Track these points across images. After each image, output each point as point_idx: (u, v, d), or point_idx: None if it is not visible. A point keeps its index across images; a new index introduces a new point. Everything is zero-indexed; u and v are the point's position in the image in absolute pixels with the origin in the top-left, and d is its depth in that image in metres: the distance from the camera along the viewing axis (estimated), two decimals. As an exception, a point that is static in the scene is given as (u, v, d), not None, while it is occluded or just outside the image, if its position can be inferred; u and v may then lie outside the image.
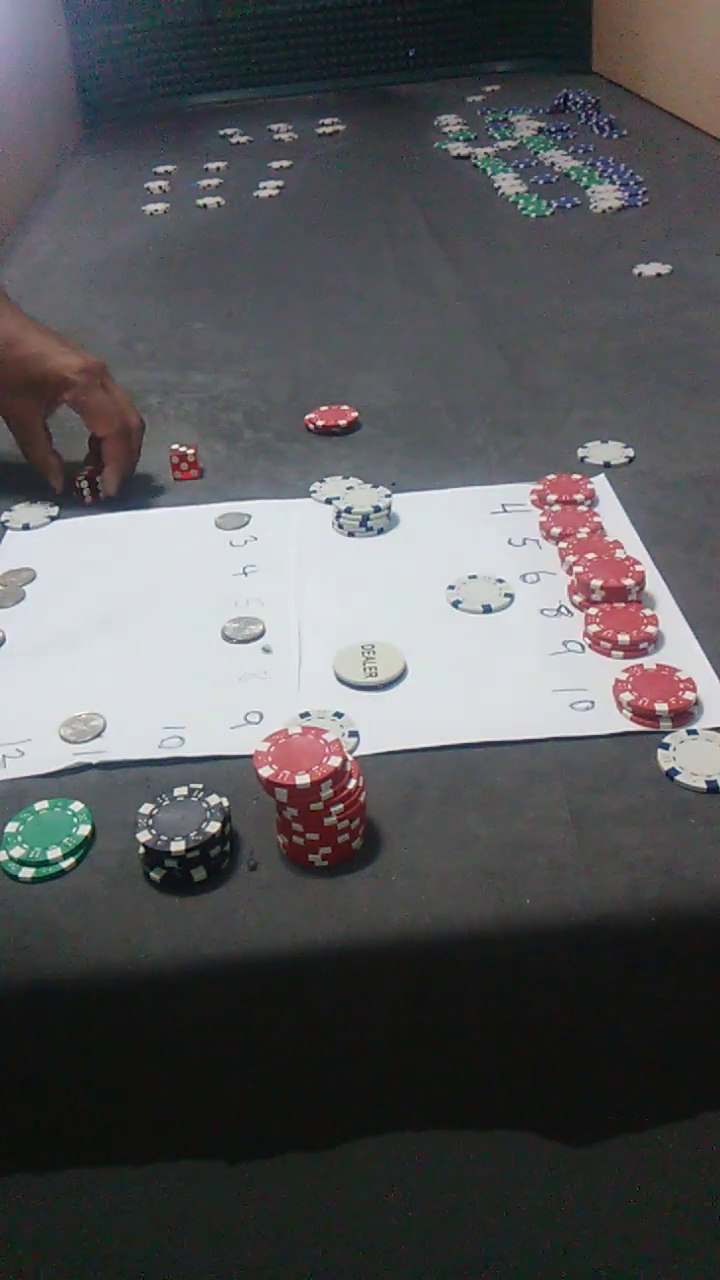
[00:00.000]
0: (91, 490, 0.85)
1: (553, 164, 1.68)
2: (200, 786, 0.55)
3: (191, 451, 0.88)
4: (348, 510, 0.80)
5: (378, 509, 0.79)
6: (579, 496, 0.79)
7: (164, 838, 0.52)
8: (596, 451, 0.87)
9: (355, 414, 0.95)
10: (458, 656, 0.66)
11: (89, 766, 0.60)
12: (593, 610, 0.67)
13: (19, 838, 0.55)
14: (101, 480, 0.85)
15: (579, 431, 0.90)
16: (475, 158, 1.74)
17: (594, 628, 0.65)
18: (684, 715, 0.60)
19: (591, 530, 0.75)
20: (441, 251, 1.37)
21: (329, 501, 0.83)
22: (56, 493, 0.86)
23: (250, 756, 0.53)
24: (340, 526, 0.80)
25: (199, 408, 1.00)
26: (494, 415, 0.95)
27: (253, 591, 0.74)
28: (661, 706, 0.59)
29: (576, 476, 0.82)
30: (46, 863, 0.53)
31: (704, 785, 0.55)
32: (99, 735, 0.62)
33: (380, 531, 0.80)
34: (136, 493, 0.87)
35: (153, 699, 0.65)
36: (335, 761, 0.51)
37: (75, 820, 0.56)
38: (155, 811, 0.54)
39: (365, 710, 0.62)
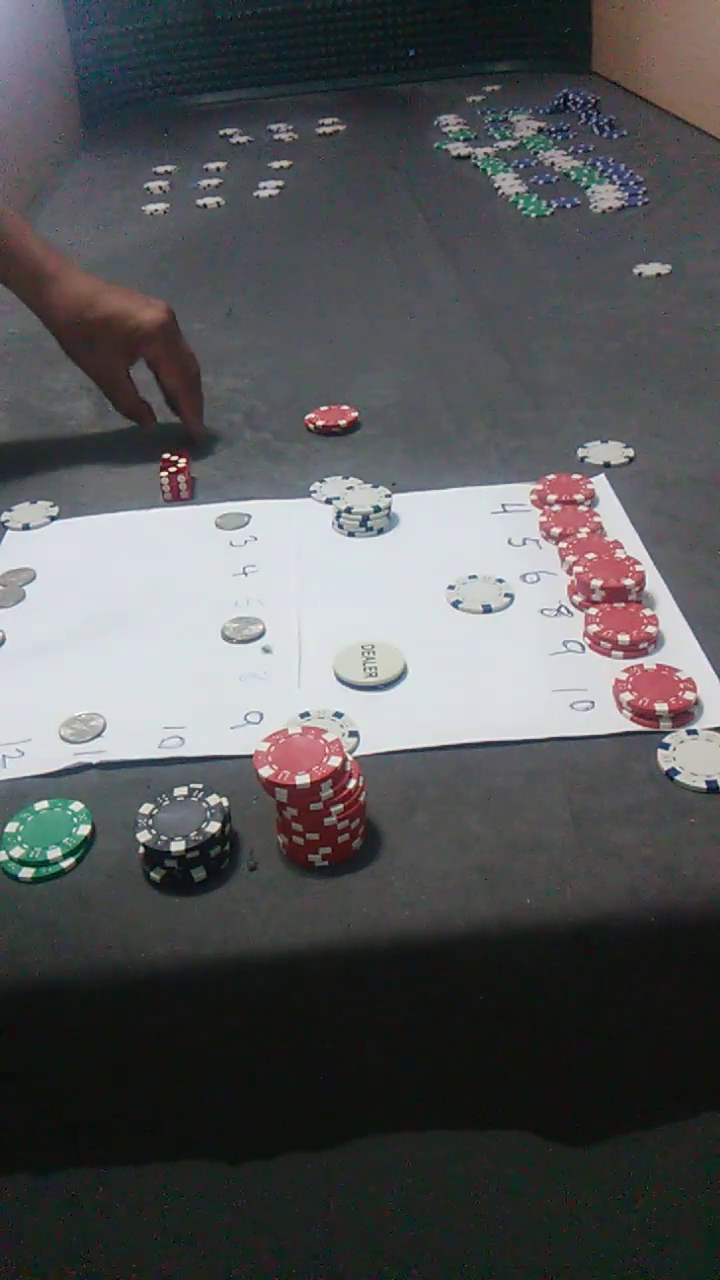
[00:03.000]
0: (173, 487, 0.85)
1: (553, 164, 1.68)
2: (200, 786, 0.55)
3: (183, 478, 0.86)
4: (348, 510, 0.80)
5: (378, 509, 0.79)
6: (579, 496, 0.79)
7: (164, 838, 0.52)
8: (596, 451, 0.87)
9: (355, 414, 0.95)
10: (458, 656, 0.66)
11: (89, 766, 0.60)
12: (593, 610, 0.67)
13: (19, 838, 0.55)
14: (187, 425, 0.92)
15: (579, 431, 0.90)
16: (475, 158, 1.74)
17: (594, 628, 0.65)
18: (684, 715, 0.60)
19: (591, 530, 0.75)
20: (441, 251, 1.37)
21: (329, 501, 0.83)
22: (149, 431, 0.93)
23: (250, 756, 0.53)
24: (340, 526, 0.80)
25: (199, 408, 1.00)
26: (494, 415, 0.95)
27: (253, 591, 0.74)
28: (661, 706, 0.59)
29: (576, 476, 0.82)
30: (46, 863, 0.53)
31: (704, 785, 0.55)
32: (99, 735, 0.62)
33: (380, 531, 0.80)
34: (136, 493, 0.87)
35: (153, 699, 0.65)
36: (335, 761, 0.51)
37: (75, 820, 0.56)
38: (155, 811, 0.54)
39: (365, 710, 0.62)
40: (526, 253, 1.35)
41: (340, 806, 0.51)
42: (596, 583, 0.68)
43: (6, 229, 0.89)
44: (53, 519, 0.85)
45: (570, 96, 2.00)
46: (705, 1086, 0.54)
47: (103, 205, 1.71)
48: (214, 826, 0.52)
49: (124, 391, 0.92)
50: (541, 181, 1.60)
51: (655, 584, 0.70)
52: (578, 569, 0.69)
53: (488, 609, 0.70)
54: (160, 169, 1.84)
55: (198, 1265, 0.61)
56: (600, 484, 0.82)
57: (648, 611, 0.67)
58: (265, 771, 0.51)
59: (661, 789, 0.56)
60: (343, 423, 0.94)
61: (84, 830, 0.55)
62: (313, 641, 0.68)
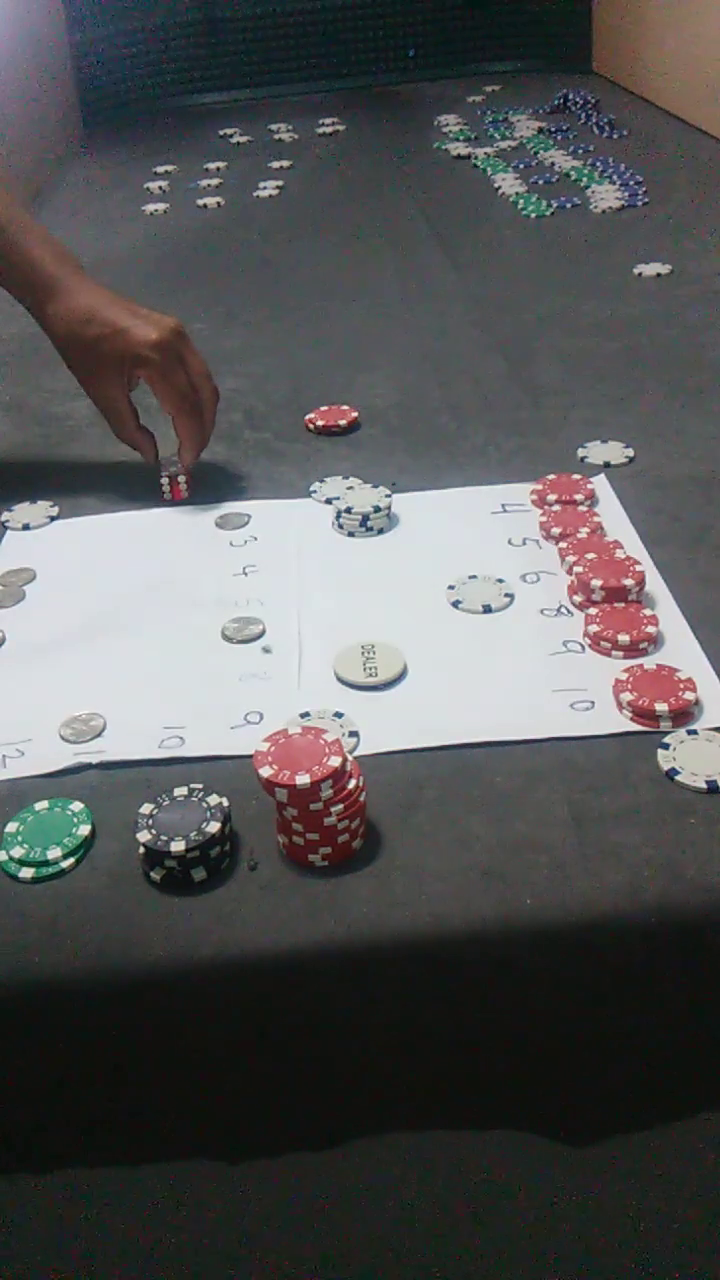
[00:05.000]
0: (173, 487, 0.85)
1: (553, 164, 1.68)
2: (200, 786, 0.55)
3: (183, 479, 0.86)
4: (348, 510, 0.80)
5: (378, 509, 0.79)
6: (579, 496, 0.79)
7: (164, 838, 0.52)
8: (596, 451, 0.87)
9: (355, 414, 0.95)
10: (458, 656, 0.66)
11: (89, 766, 0.60)
12: (593, 610, 0.67)
13: (19, 838, 0.55)
14: (178, 455, 0.86)
15: (579, 431, 0.90)
16: (475, 158, 1.74)
17: (594, 628, 0.65)
18: (684, 715, 0.60)
19: (591, 530, 0.75)
20: (441, 251, 1.37)
21: (329, 501, 0.83)
22: (150, 465, 0.87)
23: (250, 756, 0.53)
24: (340, 526, 0.80)
25: (199, 408, 1.00)
26: (494, 415, 0.95)
27: (253, 591, 0.74)
28: (661, 706, 0.59)
29: (576, 476, 0.82)
30: (46, 863, 0.53)
31: (704, 785, 0.55)
32: (99, 735, 0.62)
33: (380, 531, 0.80)
34: (136, 493, 0.87)
35: (153, 699, 0.65)
36: (335, 761, 0.51)
37: (75, 820, 0.56)
38: (155, 811, 0.54)
39: (365, 710, 0.62)
40: (526, 253, 1.35)
41: (340, 806, 0.51)
42: (596, 583, 0.68)
43: (14, 234, 0.84)
44: (53, 519, 0.85)
45: (570, 96, 2.00)
46: (705, 1086, 0.54)
47: (103, 205, 1.71)
48: (214, 826, 0.52)
49: (122, 418, 0.86)
50: (541, 181, 1.59)
51: (655, 584, 0.70)
52: (578, 569, 0.69)
53: (488, 609, 0.70)
54: (160, 169, 1.84)
55: (198, 1265, 0.61)
56: (600, 484, 0.82)
57: (648, 611, 0.67)
58: (265, 771, 0.51)
59: (661, 789, 0.56)
60: (343, 423, 0.94)
61: (84, 830, 0.55)
62: (313, 641, 0.68)
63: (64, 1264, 0.60)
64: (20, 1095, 0.52)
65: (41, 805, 0.57)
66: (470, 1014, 0.51)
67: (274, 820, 0.53)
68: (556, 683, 0.63)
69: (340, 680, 0.65)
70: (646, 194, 1.49)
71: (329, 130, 2.05)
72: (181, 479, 0.85)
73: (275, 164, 1.84)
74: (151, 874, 0.52)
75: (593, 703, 0.61)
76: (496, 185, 1.59)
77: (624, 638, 0.64)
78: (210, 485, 0.87)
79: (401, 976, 0.50)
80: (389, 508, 0.80)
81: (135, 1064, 0.51)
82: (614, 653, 0.65)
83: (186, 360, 0.83)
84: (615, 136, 1.83)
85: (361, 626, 0.69)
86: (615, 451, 0.87)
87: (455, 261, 1.33)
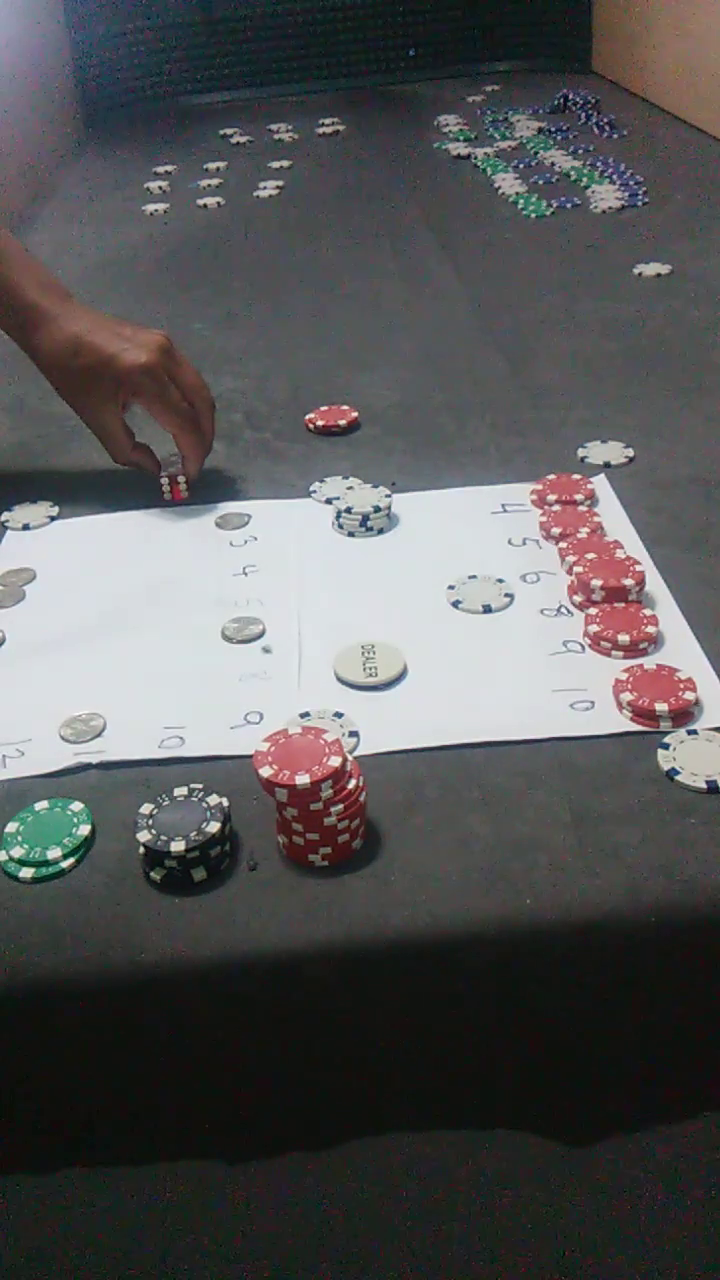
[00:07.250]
0: (173, 487, 0.85)
1: (553, 164, 1.68)
2: (200, 786, 0.55)
3: (183, 479, 0.86)
4: (348, 510, 0.80)
5: (378, 509, 0.79)
6: (579, 496, 0.79)
7: (164, 838, 0.52)
8: (596, 451, 0.87)
9: (355, 414, 0.95)
10: (458, 656, 0.66)
11: (89, 766, 0.60)
12: (593, 610, 0.67)
13: (19, 838, 0.55)
14: (182, 466, 0.85)
15: (579, 431, 0.90)
16: (475, 158, 1.74)
17: (594, 628, 0.65)
18: (684, 715, 0.60)
19: (591, 530, 0.75)
20: (442, 251, 1.37)
21: (329, 501, 0.83)
22: (156, 475, 0.86)
23: (250, 756, 0.53)
24: (340, 526, 0.80)
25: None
26: (494, 415, 0.95)
27: (253, 591, 0.74)
28: (661, 706, 0.59)
29: (576, 476, 0.82)
30: (46, 863, 0.53)
31: (704, 785, 0.55)
32: (99, 735, 0.62)
33: (380, 531, 0.80)
34: (136, 493, 0.87)
35: (153, 699, 0.65)
36: (335, 761, 0.51)
37: (75, 820, 0.56)
38: (155, 811, 0.54)
39: (365, 710, 0.62)
40: (526, 253, 1.35)
41: (340, 806, 0.51)
42: (596, 583, 0.68)
43: None
44: (53, 519, 0.85)
45: (570, 96, 2.00)
46: (705, 1086, 0.54)
47: (103, 205, 1.71)
48: (214, 826, 0.52)
49: (119, 443, 0.85)
50: (541, 181, 1.59)
51: (655, 584, 0.71)
52: (578, 569, 0.69)
53: (488, 609, 0.70)
54: (160, 169, 1.84)
55: (198, 1265, 0.61)
56: (600, 484, 0.82)
57: (648, 611, 0.67)
58: (265, 771, 0.51)
59: (661, 789, 0.56)
60: (343, 423, 0.94)
61: (84, 830, 0.55)
62: (313, 641, 0.68)
63: (64, 1264, 0.60)
64: (20, 1095, 0.52)
65: (41, 805, 0.57)
66: (470, 1014, 0.51)
67: (274, 820, 0.53)
68: (556, 683, 0.63)
69: (340, 680, 0.65)
70: (646, 194, 1.49)
71: (329, 130, 2.05)
72: (182, 479, 0.85)
73: (275, 164, 1.84)
74: (151, 874, 0.52)
75: (593, 703, 0.61)
76: (496, 185, 1.59)
77: (624, 638, 0.64)
78: (210, 485, 0.87)
79: (401, 976, 0.50)
80: (389, 508, 0.80)
81: (135, 1064, 0.51)
82: (614, 653, 0.65)
83: (178, 377, 0.83)
84: (615, 136, 1.83)
85: (361, 626, 0.69)
86: (615, 451, 0.87)
87: (455, 261, 1.33)
